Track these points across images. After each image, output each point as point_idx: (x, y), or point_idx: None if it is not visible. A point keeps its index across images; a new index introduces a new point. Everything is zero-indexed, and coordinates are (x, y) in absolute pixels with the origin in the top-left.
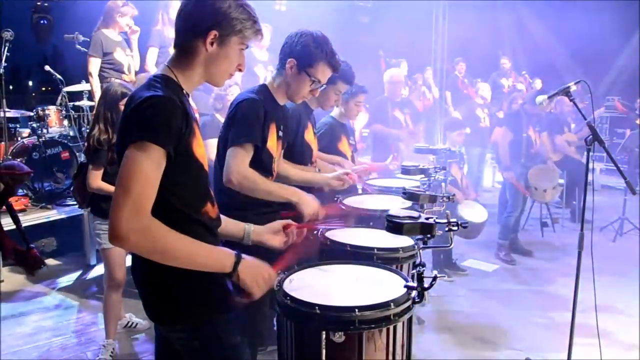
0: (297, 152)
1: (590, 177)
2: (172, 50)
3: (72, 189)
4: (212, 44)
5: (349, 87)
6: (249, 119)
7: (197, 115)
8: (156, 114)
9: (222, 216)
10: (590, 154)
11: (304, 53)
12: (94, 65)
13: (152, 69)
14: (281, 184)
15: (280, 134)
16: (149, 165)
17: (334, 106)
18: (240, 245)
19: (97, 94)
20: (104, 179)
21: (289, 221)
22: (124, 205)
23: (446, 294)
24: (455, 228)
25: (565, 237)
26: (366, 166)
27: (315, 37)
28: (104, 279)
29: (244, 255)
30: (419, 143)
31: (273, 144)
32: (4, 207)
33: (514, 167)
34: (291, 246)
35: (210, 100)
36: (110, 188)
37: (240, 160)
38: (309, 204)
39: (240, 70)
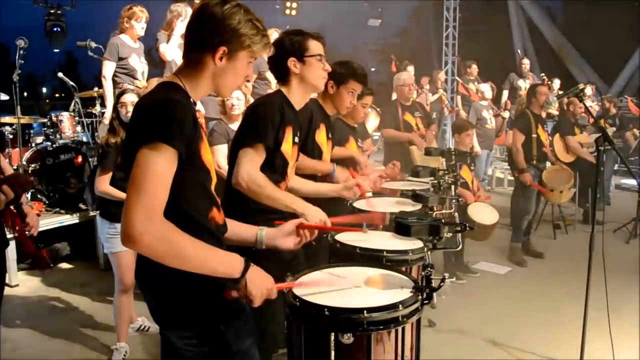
0: (306, 152)
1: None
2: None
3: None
4: (221, 59)
5: (362, 87)
6: (262, 121)
7: (202, 120)
8: (169, 116)
9: (233, 221)
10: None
11: (298, 42)
12: (108, 68)
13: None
14: (288, 193)
15: (297, 139)
16: (162, 166)
17: (349, 108)
18: (248, 251)
19: (109, 98)
20: (112, 183)
21: (302, 220)
22: (138, 206)
23: (458, 296)
24: (463, 230)
25: (578, 239)
26: (382, 174)
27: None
28: (115, 282)
29: (252, 264)
30: (430, 145)
31: (288, 148)
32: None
33: (527, 168)
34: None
35: (217, 104)
36: (117, 193)
37: (250, 162)
38: (314, 216)
39: (247, 81)
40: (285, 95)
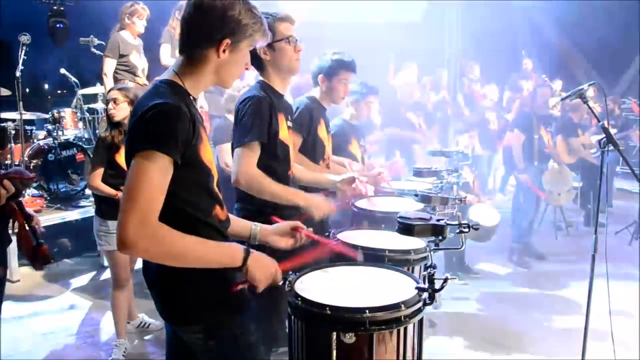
0: (309, 149)
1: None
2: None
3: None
4: (224, 51)
5: (352, 74)
6: (251, 118)
7: (204, 117)
8: (162, 123)
9: (230, 215)
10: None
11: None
12: (109, 65)
13: (167, 62)
14: (288, 186)
15: (289, 124)
16: (156, 174)
17: (344, 98)
18: (259, 248)
19: None
20: (105, 179)
21: (298, 223)
22: (132, 213)
23: (459, 297)
24: (466, 230)
25: (580, 240)
26: (380, 171)
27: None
28: (111, 279)
29: (252, 250)
30: (432, 145)
31: (286, 134)
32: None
33: (528, 169)
34: (302, 251)
35: (222, 101)
36: (107, 189)
37: (246, 161)
38: (318, 206)
39: (246, 69)
40: (268, 83)
